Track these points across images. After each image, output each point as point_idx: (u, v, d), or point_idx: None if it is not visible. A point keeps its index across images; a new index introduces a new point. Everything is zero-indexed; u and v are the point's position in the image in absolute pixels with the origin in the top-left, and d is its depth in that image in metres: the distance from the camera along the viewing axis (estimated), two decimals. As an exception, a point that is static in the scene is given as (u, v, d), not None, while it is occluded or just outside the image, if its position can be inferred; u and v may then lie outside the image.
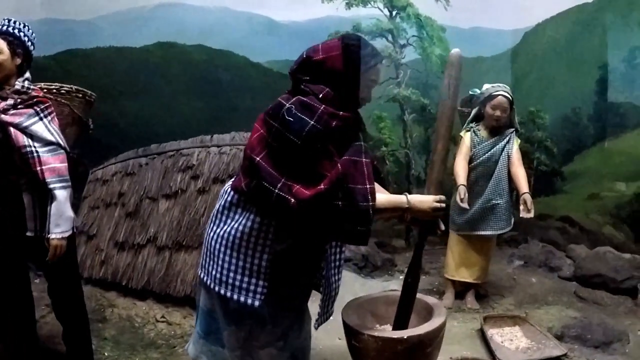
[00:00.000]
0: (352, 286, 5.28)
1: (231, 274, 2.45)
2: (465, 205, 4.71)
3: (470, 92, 5.25)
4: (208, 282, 2.55)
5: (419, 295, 3.19)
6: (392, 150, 7.17)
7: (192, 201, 4.91)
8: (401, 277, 6.03)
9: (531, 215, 4.61)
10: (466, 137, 5.06)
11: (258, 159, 2.35)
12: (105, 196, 5.55)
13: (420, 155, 7.27)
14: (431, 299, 3.26)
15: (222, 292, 2.47)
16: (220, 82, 7.15)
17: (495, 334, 4.43)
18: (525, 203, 4.61)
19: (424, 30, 7.09)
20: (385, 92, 7.09)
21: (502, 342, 4.30)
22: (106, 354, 4.14)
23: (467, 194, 4.73)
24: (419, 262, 2.93)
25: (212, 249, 2.54)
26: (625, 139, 6.52)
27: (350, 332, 2.87)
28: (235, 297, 2.44)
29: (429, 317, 2.99)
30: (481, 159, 4.99)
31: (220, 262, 2.48)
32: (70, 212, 3.19)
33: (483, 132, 5.05)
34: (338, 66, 2.43)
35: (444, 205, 2.62)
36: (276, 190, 2.26)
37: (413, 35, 7.15)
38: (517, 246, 6.94)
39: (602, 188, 6.74)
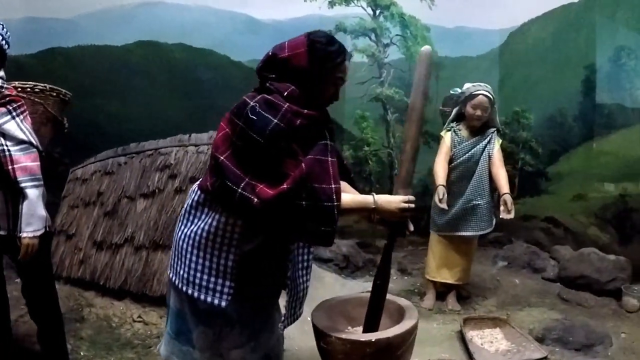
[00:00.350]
0: (332, 287, 5.25)
1: (198, 274, 2.43)
2: (444, 205, 4.67)
3: (451, 92, 5.20)
4: (176, 282, 2.51)
5: (391, 297, 3.16)
6: (374, 150, 7.10)
7: (169, 200, 4.86)
8: (382, 278, 5.99)
9: (511, 216, 4.56)
10: (446, 137, 5.02)
11: (222, 158, 2.33)
12: (85, 195, 5.53)
13: (403, 155, 7.19)
14: (404, 301, 3.20)
15: (190, 292, 2.44)
16: (201, 81, 7.06)
17: (475, 336, 4.39)
18: (505, 204, 4.58)
19: (407, 30, 7.03)
20: (368, 92, 7.04)
21: (482, 345, 4.26)
22: (82, 353, 4.12)
23: (446, 195, 4.69)
24: (388, 264, 2.88)
25: (179, 249, 2.51)
26: (611, 139, 6.47)
27: (319, 334, 2.83)
28: (202, 297, 2.42)
29: (401, 320, 2.94)
30: (462, 158, 4.95)
31: (187, 262, 2.46)
32: (42, 211, 3.14)
33: (464, 132, 5.01)
34: (303, 64, 2.38)
35: (412, 205, 2.58)
36: (239, 190, 2.23)
37: (397, 35, 7.09)
38: (502, 247, 6.90)
39: (587, 189, 6.69)
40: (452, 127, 5.04)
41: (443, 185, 4.72)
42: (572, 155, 6.95)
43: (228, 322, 2.50)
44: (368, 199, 2.50)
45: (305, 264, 2.68)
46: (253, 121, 2.24)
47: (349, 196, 2.47)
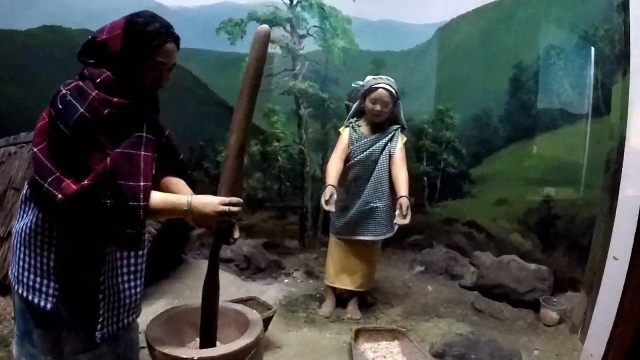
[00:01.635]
0: (227, 289, 4.92)
1: (25, 273, 2.27)
2: (329, 208, 4.31)
3: (353, 85, 4.91)
4: (11, 280, 2.36)
5: (242, 309, 3.00)
6: (285, 146, 6.77)
7: (55, 193, 4.58)
8: (287, 280, 5.76)
9: (406, 221, 4.24)
10: (344, 133, 4.70)
11: (35, 150, 2.16)
12: (-25, 186, 5.25)
13: (316, 152, 6.92)
14: (253, 314, 2.94)
15: (20, 291, 2.28)
16: (104, 68, 6.75)
17: (369, 349, 4.08)
18: (400, 207, 4.26)
19: (326, 21, 6.75)
20: (279, 84, 6.74)
21: (373, 359, 3.94)
22: (-45, 351, 3.87)
23: (334, 196, 4.32)
24: (214, 272, 2.61)
25: (13, 246, 2.38)
26: (537, 142, 6.23)
27: (148, 346, 2.60)
28: (30, 297, 2.25)
29: (250, 334, 2.70)
30: (359, 157, 4.62)
31: (17, 260, 2.32)
32: None
33: (364, 128, 4.69)
34: (118, 47, 2.20)
35: (235, 208, 2.34)
36: (45, 185, 2.06)
37: (314, 26, 6.78)
38: (421, 251, 6.67)
39: (511, 193, 6.47)
40: (351, 122, 4.74)
41: (332, 186, 4.35)
42: (497, 157, 6.71)
43: (63, 326, 2.30)
44: (181, 199, 2.27)
45: (132, 268, 2.47)
46: (60, 110, 2.08)
47: (161, 195, 2.24)
